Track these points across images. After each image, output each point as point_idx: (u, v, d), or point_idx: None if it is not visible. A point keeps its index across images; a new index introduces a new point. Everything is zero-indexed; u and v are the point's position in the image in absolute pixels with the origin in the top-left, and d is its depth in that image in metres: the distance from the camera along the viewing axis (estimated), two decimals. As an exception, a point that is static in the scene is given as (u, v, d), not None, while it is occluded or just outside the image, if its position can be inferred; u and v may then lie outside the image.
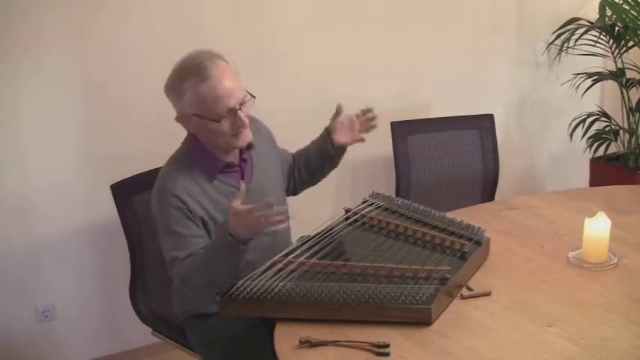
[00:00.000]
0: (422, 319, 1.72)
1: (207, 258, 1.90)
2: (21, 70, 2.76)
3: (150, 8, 2.92)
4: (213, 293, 1.87)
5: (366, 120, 2.26)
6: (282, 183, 2.31)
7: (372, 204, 2.26)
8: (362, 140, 2.28)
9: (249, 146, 2.10)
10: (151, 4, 2.92)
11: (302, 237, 2.07)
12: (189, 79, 1.93)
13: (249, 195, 2.05)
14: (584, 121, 3.89)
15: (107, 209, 2.50)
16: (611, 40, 3.79)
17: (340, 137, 2.26)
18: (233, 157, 2.09)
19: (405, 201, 2.29)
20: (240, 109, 1.95)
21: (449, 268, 1.84)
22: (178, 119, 2.02)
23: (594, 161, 4.00)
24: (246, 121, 1.97)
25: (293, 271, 1.87)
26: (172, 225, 1.96)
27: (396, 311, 1.72)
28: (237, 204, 1.79)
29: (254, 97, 2.00)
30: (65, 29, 2.79)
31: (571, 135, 3.91)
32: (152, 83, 2.94)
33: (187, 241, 1.96)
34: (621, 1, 3.66)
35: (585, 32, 3.79)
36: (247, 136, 2.02)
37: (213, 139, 2.00)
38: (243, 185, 1.87)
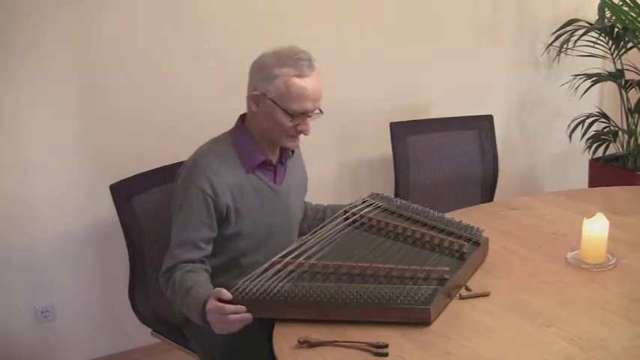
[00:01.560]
0: (421, 320, 1.72)
1: (184, 292, 1.94)
2: (21, 73, 2.76)
3: (149, 10, 2.92)
4: None
5: None
6: (303, 200, 2.35)
7: (371, 204, 2.26)
8: None
9: (290, 153, 2.19)
10: (150, 7, 2.92)
11: (300, 237, 2.07)
12: (286, 67, 1.98)
13: (276, 196, 2.13)
14: (583, 122, 3.89)
15: (107, 210, 2.51)
16: (610, 42, 3.79)
17: None
18: (272, 157, 2.14)
19: (404, 201, 2.29)
20: (310, 116, 2.03)
21: (447, 268, 1.84)
22: (251, 96, 2.05)
23: (593, 162, 4.00)
24: (310, 129, 2.05)
25: (292, 271, 1.87)
26: (187, 202, 2.01)
27: (395, 311, 1.72)
28: (213, 303, 1.79)
29: (322, 112, 2.06)
30: (65, 32, 2.79)
31: (570, 136, 3.91)
32: (152, 85, 2.99)
33: (195, 224, 2.01)
34: (620, 3, 3.66)
35: (584, 33, 3.79)
36: (298, 142, 2.11)
37: (271, 128, 2.04)
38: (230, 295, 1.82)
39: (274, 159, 2.14)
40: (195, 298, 1.89)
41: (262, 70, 2.02)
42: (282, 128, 2.02)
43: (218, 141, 2.13)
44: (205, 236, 2.03)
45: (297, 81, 1.98)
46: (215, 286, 2.05)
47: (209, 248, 2.06)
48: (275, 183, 2.15)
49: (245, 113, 2.15)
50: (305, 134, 2.07)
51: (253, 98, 2.04)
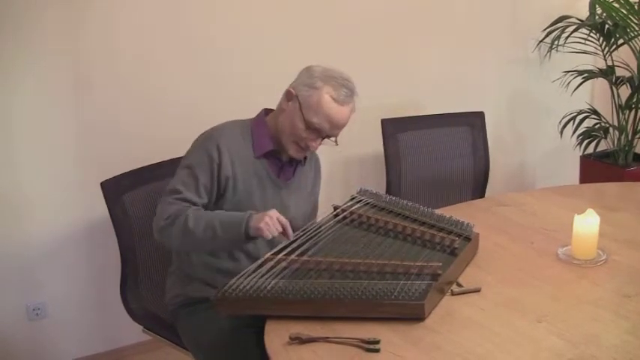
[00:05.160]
0: (415, 315, 1.72)
1: (214, 220, 1.98)
2: (13, 71, 2.75)
3: (140, 9, 2.92)
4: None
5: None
6: (305, 210, 2.33)
7: (360, 201, 2.26)
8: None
9: (302, 161, 2.23)
10: (141, 5, 2.92)
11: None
12: (331, 87, 2.07)
13: (276, 190, 2.17)
14: (574, 118, 3.91)
15: (98, 207, 2.50)
16: (601, 38, 3.80)
17: None
18: (282, 153, 2.19)
19: (393, 198, 2.29)
20: (323, 138, 2.11)
21: (440, 264, 1.85)
22: (288, 92, 2.12)
23: (584, 158, 4.01)
24: (314, 150, 2.16)
25: (285, 268, 1.87)
26: (196, 165, 2.06)
27: (389, 307, 1.72)
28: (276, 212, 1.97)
29: (337, 144, 2.15)
30: (56, 31, 2.78)
31: (561, 132, 3.92)
32: (141, 83, 2.98)
33: (198, 185, 2.05)
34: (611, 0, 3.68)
35: (575, 30, 3.81)
36: (298, 156, 2.16)
37: (286, 129, 2.11)
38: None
39: (283, 157, 2.19)
40: (237, 213, 1.99)
41: (309, 77, 2.10)
42: (294, 132, 2.09)
43: (238, 122, 2.20)
44: (202, 194, 2.07)
45: (331, 102, 2.06)
46: (204, 281, 2.13)
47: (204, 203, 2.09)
48: (279, 178, 2.18)
49: (268, 108, 2.22)
50: (311, 150, 2.16)
51: (288, 94, 2.12)
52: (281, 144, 2.15)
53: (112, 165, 2.51)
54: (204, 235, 1.98)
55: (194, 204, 2.05)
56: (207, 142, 2.09)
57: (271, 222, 1.94)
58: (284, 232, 1.98)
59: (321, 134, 2.10)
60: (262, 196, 2.14)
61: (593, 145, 3.92)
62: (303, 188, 2.28)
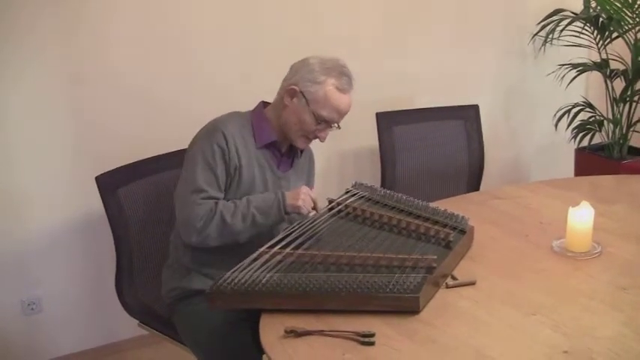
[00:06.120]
0: (410, 308, 1.73)
1: (249, 208, 2.05)
2: (9, 69, 2.75)
3: (135, 8, 2.92)
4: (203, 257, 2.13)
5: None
6: None
7: (355, 194, 2.27)
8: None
9: (299, 153, 2.28)
10: (136, 4, 2.92)
11: (286, 228, 2.08)
12: (333, 78, 2.13)
13: (275, 181, 2.20)
14: (569, 111, 3.91)
15: (95, 203, 2.50)
16: (596, 31, 3.81)
17: None
18: (282, 144, 2.23)
19: (388, 191, 2.29)
20: (330, 127, 2.18)
21: (435, 257, 1.85)
22: (288, 90, 2.14)
23: (579, 151, 4.02)
24: (323, 140, 2.21)
25: (280, 262, 1.87)
26: (211, 160, 2.08)
27: (384, 300, 1.72)
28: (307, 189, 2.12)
29: (339, 127, 2.21)
30: (52, 29, 2.78)
31: (556, 125, 3.93)
32: (137, 80, 2.97)
33: (219, 182, 2.09)
34: (605, -8, 3.68)
35: (570, 23, 3.81)
36: (305, 147, 2.25)
37: (293, 124, 2.15)
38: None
39: (283, 148, 2.22)
40: (267, 196, 2.09)
41: (309, 72, 2.13)
42: (303, 128, 2.14)
43: (238, 113, 2.22)
44: (222, 188, 2.10)
45: (336, 93, 2.13)
46: (202, 273, 2.14)
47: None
48: (278, 169, 2.21)
49: (265, 101, 2.25)
50: (321, 141, 2.21)
51: (290, 92, 2.13)
52: (286, 137, 2.18)
53: (108, 161, 2.50)
54: (244, 225, 2.05)
55: (218, 199, 2.08)
56: (214, 133, 2.10)
57: (307, 199, 2.08)
58: (315, 207, 2.12)
59: (330, 124, 2.16)
60: (263, 186, 2.17)
61: (587, 138, 3.93)
62: (299, 179, 2.30)
